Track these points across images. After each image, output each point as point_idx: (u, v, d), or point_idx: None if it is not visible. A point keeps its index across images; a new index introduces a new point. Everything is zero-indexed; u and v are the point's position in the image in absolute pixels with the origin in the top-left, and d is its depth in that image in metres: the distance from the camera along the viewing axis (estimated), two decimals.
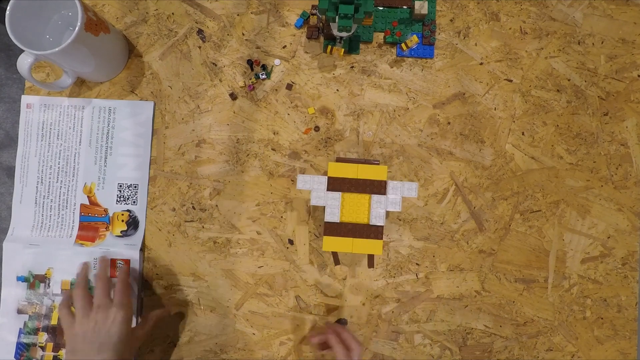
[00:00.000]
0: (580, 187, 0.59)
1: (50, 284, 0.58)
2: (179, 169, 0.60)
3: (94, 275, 0.57)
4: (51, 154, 0.60)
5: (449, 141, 0.60)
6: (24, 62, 0.49)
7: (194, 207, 0.59)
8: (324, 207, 0.54)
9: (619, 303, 0.58)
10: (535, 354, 0.58)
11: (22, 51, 0.49)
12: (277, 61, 0.60)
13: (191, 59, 0.61)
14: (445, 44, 0.60)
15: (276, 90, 0.60)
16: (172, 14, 0.61)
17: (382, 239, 0.48)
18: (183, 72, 0.61)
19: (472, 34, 0.60)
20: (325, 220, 0.48)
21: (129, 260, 0.58)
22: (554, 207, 0.59)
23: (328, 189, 0.49)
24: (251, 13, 0.61)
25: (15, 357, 0.58)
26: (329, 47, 0.58)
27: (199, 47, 0.61)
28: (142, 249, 0.59)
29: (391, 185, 0.49)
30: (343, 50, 0.58)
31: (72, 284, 0.58)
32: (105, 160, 0.60)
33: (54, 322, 0.58)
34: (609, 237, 0.59)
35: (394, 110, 0.60)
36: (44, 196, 0.60)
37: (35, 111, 0.60)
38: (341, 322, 0.58)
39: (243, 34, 0.61)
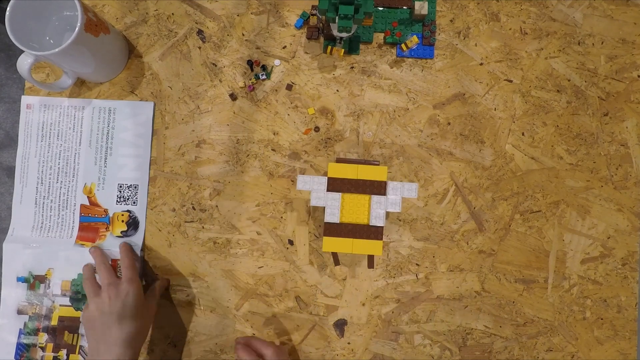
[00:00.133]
0: (580, 188, 0.59)
1: (50, 285, 0.58)
2: (179, 170, 0.60)
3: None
4: (51, 155, 0.60)
5: (449, 141, 0.60)
6: (23, 63, 0.49)
7: (194, 208, 0.59)
8: (324, 208, 0.54)
9: (618, 303, 0.58)
10: (535, 354, 0.58)
11: (22, 52, 0.49)
12: (277, 62, 0.60)
13: (191, 59, 0.61)
14: (445, 45, 0.60)
15: (276, 90, 0.60)
16: (172, 14, 0.61)
17: (382, 239, 0.48)
18: (183, 72, 0.61)
19: (472, 34, 0.60)
20: (325, 221, 0.48)
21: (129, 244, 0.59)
22: (554, 207, 0.59)
23: (328, 190, 0.49)
24: (251, 13, 0.61)
25: (15, 357, 0.58)
26: (329, 47, 0.58)
27: (199, 48, 0.61)
28: (142, 250, 0.59)
29: (391, 185, 0.49)
30: (343, 50, 0.58)
31: (72, 284, 0.58)
32: (105, 161, 0.60)
33: (54, 322, 0.58)
34: (609, 238, 0.59)
35: (394, 111, 0.60)
36: (44, 196, 0.60)
37: (35, 111, 0.60)
38: (341, 322, 0.58)
39: (243, 35, 0.61)
